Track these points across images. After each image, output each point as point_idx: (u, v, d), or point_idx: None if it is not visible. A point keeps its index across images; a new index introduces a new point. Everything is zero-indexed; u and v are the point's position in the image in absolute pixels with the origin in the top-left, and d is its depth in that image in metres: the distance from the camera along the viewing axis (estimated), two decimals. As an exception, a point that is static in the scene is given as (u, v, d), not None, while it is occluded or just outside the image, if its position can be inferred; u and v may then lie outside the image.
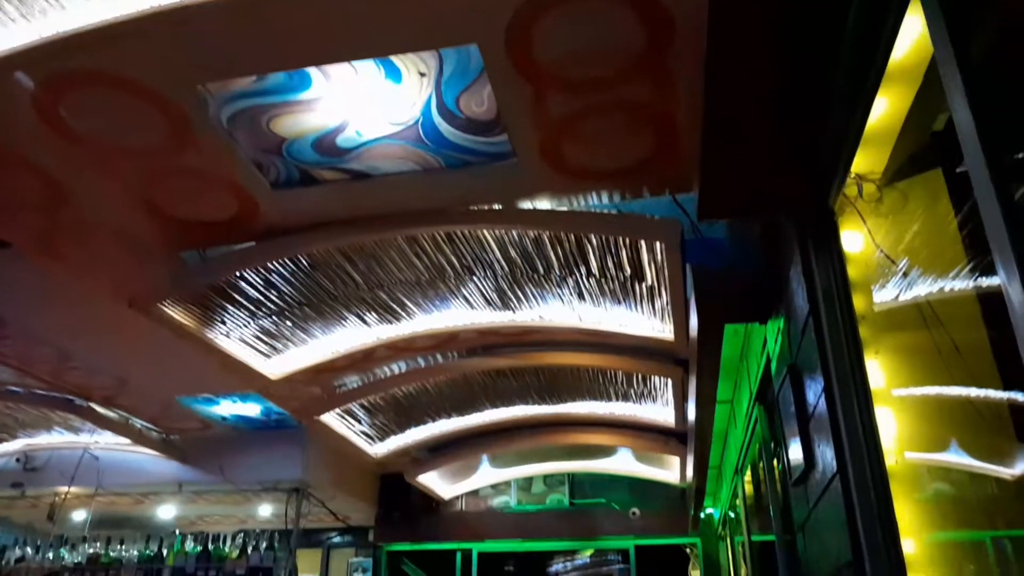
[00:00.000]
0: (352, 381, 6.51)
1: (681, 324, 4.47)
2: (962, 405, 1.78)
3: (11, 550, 7.90)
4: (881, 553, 1.85)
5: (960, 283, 1.75)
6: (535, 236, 4.23)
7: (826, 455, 2.18)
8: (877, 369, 2.05)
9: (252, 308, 4.97)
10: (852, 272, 2.18)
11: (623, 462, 8.52)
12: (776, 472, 3.85)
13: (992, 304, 1.45)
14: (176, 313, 4.89)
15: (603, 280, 4.67)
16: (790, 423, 2.64)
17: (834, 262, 2.23)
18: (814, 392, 2.30)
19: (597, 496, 8.95)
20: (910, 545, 1.82)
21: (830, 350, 2.16)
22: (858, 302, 2.15)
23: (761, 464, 4.46)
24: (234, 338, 5.37)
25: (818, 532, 2.44)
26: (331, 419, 6.98)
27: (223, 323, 5.11)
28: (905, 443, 1.96)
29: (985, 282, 1.60)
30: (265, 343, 5.55)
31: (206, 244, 4.43)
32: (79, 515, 8.52)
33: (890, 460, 1.95)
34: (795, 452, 2.57)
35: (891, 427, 1.98)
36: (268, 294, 4.83)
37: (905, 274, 1.95)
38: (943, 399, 1.88)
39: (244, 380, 5.96)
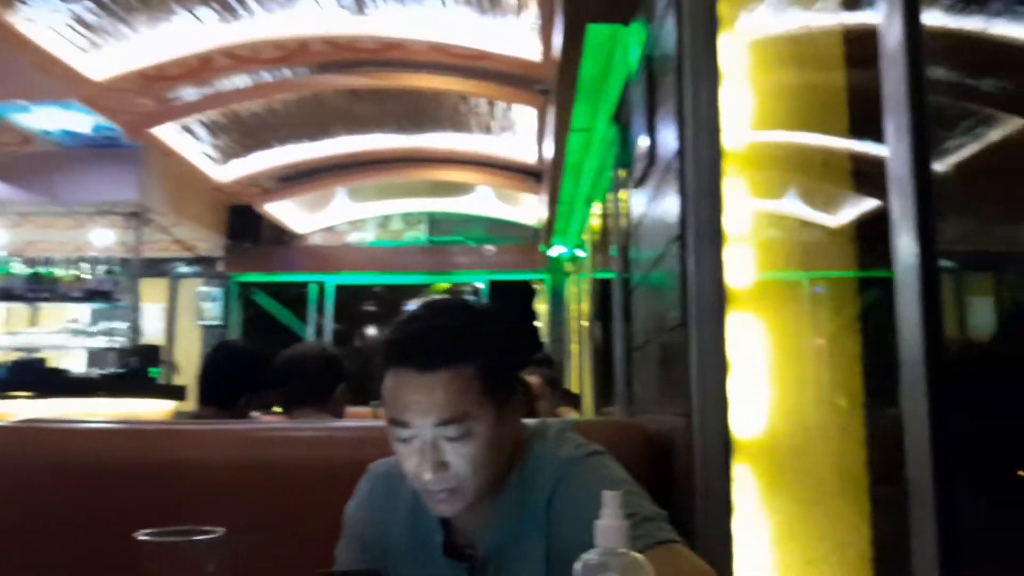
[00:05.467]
0: (189, 93, 5.93)
1: (547, 35, 4.21)
2: (805, 150, 1.73)
3: None
4: (706, 225, 1.83)
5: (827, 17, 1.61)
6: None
7: (669, 144, 2.11)
8: (731, 63, 1.92)
9: (56, -15, 4.26)
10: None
11: (482, 201, 8.54)
12: (622, 203, 3.86)
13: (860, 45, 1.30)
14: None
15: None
16: (638, 121, 2.55)
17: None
18: (665, 85, 2.18)
19: (455, 234, 9.04)
20: (734, 223, 1.81)
21: (688, 45, 2.01)
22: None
23: (609, 196, 4.48)
24: (43, 25, 4.64)
25: (649, 232, 2.44)
26: (168, 137, 6.44)
27: (24, 1, 4.37)
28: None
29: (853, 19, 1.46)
30: (81, 36, 4.86)
31: None
32: None
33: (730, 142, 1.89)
34: (641, 153, 2.51)
35: (740, 109, 1.89)
36: (74, -32, 4.12)
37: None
38: (789, 145, 1.81)
39: (64, 83, 5.27)
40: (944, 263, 1.09)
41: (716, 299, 1.79)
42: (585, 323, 6.76)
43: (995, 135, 1.10)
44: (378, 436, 1.25)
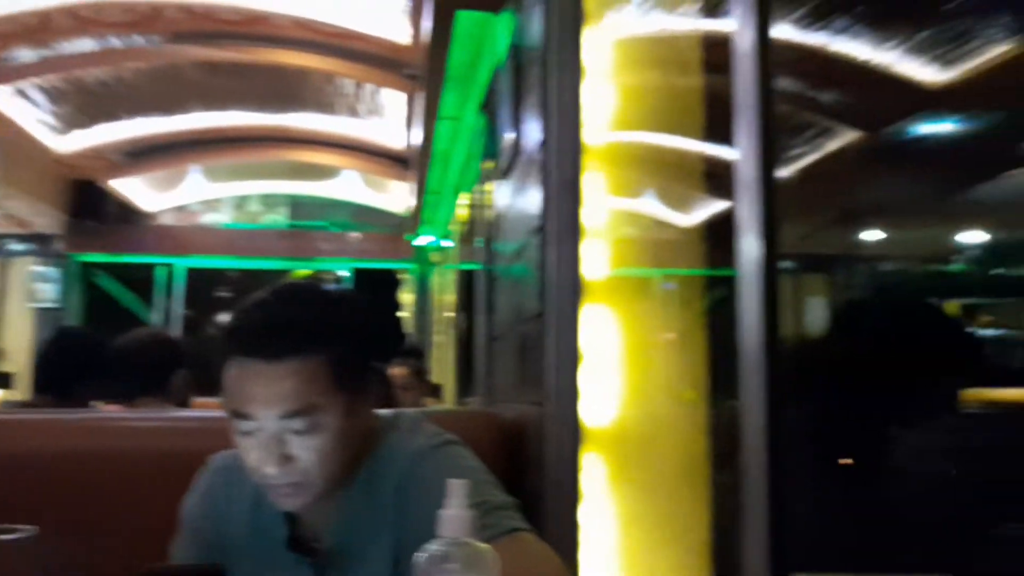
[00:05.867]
0: (25, 55, 5.44)
1: (416, 19, 4.15)
2: (662, 151, 1.79)
3: None
4: (566, 219, 1.86)
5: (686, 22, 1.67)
6: None
7: (533, 136, 2.13)
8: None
9: None
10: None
11: (347, 186, 8.33)
12: (488, 195, 3.87)
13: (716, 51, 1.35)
14: None
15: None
16: (505, 112, 2.56)
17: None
18: (532, 77, 2.19)
19: (318, 219, 8.78)
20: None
21: (554, 37, 2.03)
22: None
23: (476, 188, 4.49)
24: None
25: (513, 223, 2.46)
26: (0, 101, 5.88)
27: None
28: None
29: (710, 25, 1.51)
30: None
31: None
32: None
33: (590, 137, 1.93)
34: (507, 144, 2.52)
35: (601, 105, 1.93)
36: None
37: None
38: (647, 145, 1.87)
39: None
40: (783, 264, 1.15)
41: (572, 291, 1.82)
42: (450, 314, 6.76)
43: (832, 145, 1.17)
44: (221, 427, 1.19)
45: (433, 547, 0.75)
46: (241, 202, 8.86)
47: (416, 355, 4.41)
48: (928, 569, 0.99)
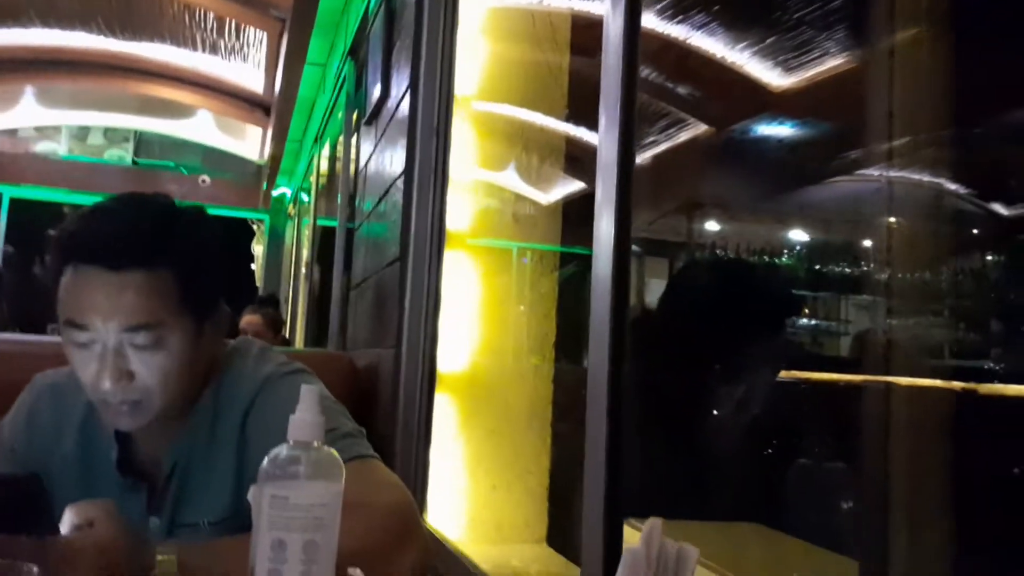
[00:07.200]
0: None
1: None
2: (526, 128, 1.82)
3: None
4: (432, 165, 1.85)
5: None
6: None
7: (403, 82, 2.10)
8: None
9: None
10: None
11: (201, 127, 7.85)
12: (353, 148, 3.78)
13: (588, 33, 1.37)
14: None
15: None
16: (375, 59, 2.51)
17: None
18: (405, 24, 2.15)
19: (166, 159, 8.25)
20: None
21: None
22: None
23: (341, 138, 4.37)
24: None
25: (377, 171, 2.42)
26: None
27: None
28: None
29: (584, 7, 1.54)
30: None
31: None
32: None
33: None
34: (375, 90, 2.47)
35: (474, 58, 1.92)
36: None
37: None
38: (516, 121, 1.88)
39: None
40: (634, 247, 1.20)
41: (435, 236, 1.82)
42: (304, 270, 6.58)
43: (683, 136, 1.23)
44: (38, 352, 1.11)
45: (279, 450, 0.70)
46: (81, 133, 8.17)
47: (273, 304, 4.30)
48: (739, 513, 1.11)
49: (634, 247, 1.21)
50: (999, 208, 0.90)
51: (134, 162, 8.24)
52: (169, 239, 1.08)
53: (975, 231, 0.92)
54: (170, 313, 1.06)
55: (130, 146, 8.25)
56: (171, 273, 1.06)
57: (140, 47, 6.21)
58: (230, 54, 6.06)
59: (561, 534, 1.55)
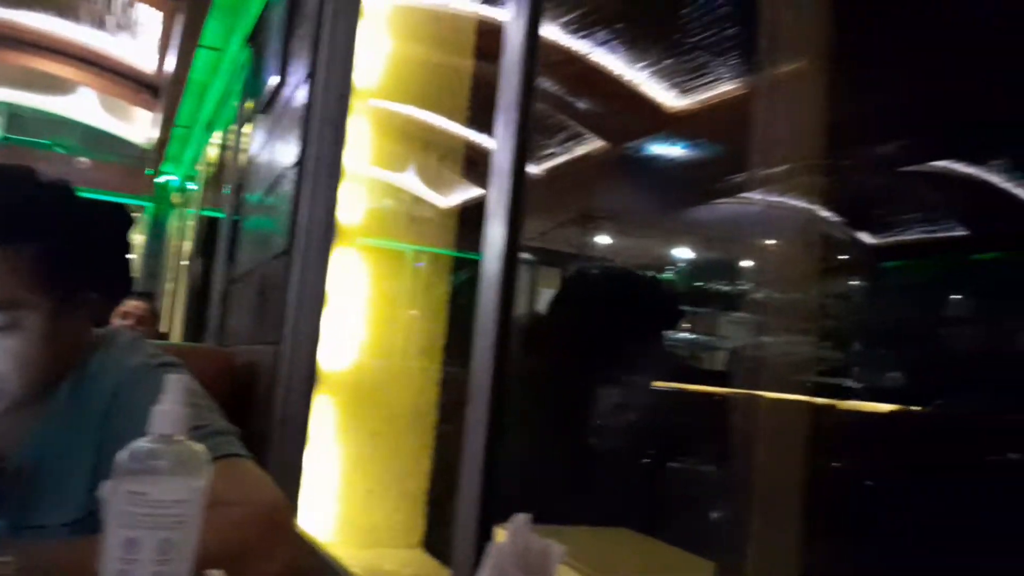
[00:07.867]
0: None
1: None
2: (425, 129, 1.81)
3: None
4: (327, 156, 1.81)
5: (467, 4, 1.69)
6: None
7: (301, 71, 2.04)
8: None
9: None
10: None
11: (82, 105, 7.42)
12: (244, 138, 3.66)
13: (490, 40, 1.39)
14: None
15: None
16: (274, 45, 2.44)
17: None
18: (306, 11, 2.10)
19: (41, 137, 7.74)
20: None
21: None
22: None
23: (233, 127, 4.22)
24: None
25: (268, 160, 2.35)
26: None
27: None
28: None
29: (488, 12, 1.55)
30: None
31: None
32: None
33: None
34: (271, 77, 2.39)
35: (374, 53, 1.89)
36: None
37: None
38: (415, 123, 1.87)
39: None
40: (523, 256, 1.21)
41: (325, 230, 1.77)
42: (186, 262, 6.30)
43: (580, 150, 1.25)
44: None
45: (139, 443, 0.64)
46: (-56, 102, 7.57)
47: (149, 297, 4.13)
48: (611, 519, 1.13)
49: (528, 256, 1.23)
50: (864, 236, 0.96)
51: (5, 138, 7.68)
52: (28, 214, 1.01)
53: (842, 256, 0.98)
54: (28, 293, 0.99)
55: (2, 120, 7.69)
56: (30, 250, 0.99)
57: (19, 15, 5.82)
58: (119, 30, 5.76)
59: (439, 539, 1.54)
